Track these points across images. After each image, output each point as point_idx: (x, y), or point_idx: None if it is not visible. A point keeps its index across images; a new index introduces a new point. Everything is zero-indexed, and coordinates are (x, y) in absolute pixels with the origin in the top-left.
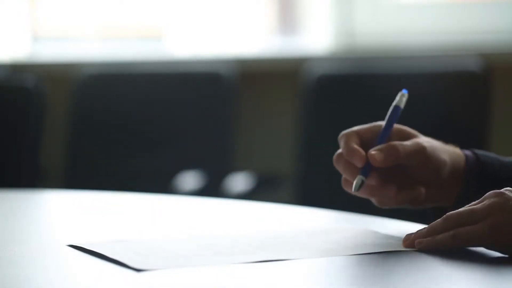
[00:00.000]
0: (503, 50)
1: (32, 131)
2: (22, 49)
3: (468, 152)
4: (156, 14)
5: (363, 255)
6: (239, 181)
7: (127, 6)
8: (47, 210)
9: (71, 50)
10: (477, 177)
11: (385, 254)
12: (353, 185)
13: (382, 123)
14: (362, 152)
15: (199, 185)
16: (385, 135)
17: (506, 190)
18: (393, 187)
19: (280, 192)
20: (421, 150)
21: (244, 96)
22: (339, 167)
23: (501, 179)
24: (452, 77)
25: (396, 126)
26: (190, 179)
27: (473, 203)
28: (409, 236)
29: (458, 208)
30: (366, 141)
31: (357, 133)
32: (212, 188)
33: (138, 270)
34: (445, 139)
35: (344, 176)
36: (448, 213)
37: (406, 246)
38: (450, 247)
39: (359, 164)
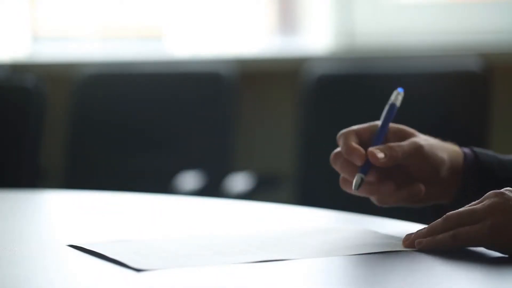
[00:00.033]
0: (503, 50)
1: (32, 131)
2: (22, 49)
3: (466, 150)
4: (156, 14)
5: (363, 255)
6: (239, 181)
7: (127, 6)
8: (47, 210)
9: (71, 50)
10: (475, 175)
11: (385, 254)
12: (353, 184)
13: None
14: (362, 150)
15: (199, 185)
16: (382, 133)
17: (506, 190)
18: (391, 184)
19: (280, 192)
20: (418, 150)
21: (244, 96)
22: (336, 166)
23: (500, 177)
24: (452, 77)
25: (395, 125)
26: (190, 179)
27: (473, 203)
28: (409, 236)
29: (456, 206)
30: (365, 140)
31: (355, 132)
32: (212, 188)
33: (138, 270)
34: (445, 139)
35: (342, 175)
36: (448, 213)
37: (406, 246)
38: (450, 247)
39: (358, 162)
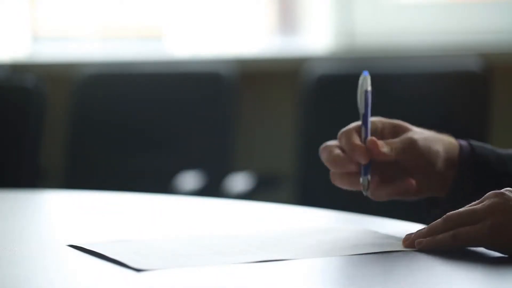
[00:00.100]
0: (503, 50)
1: (32, 131)
2: (22, 49)
3: (463, 142)
4: (156, 14)
5: (363, 255)
6: (239, 181)
7: (127, 6)
8: (47, 210)
9: (71, 50)
10: (472, 168)
11: (385, 254)
12: (362, 188)
13: (377, 118)
14: (365, 148)
15: (199, 185)
16: (367, 122)
17: (506, 190)
18: (376, 179)
19: (280, 192)
20: (412, 145)
21: (244, 96)
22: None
23: (497, 171)
24: (452, 77)
25: (389, 121)
26: (190, 179)
27: (473, 203)
28: (409, 236)
29: (452, 198)
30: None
31: (356, 130)
32: (212, 188)
33: (138, 270)
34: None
35: (333, 170)
36: (448, 213)
37: (406, 246)
38: (450, 247)
39: (362, 160)
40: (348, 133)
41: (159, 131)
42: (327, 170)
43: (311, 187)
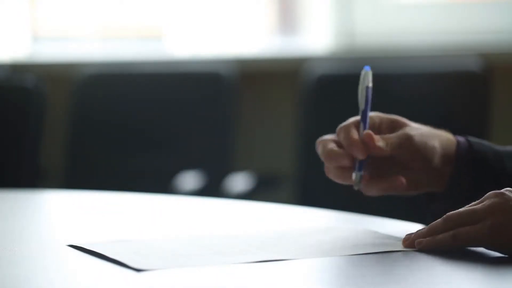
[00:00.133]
0: (503, 50)
1: (32, 131)
2: (22, 49)
3: (461, 138)
4: (156, 14)
5: (363, 255)
6: (239, 181)
7: (127, 6)
8: (47, 210)
9: (71, 50)
10: (469, 164)
11: (385, 254)
12: (353, 183)
13: (375, 113)
14: (363, 144)
15: (199, 185)
16: (366, 118)
17: (506, 190)
18: (366, 175)
19: (280, 192)
20: (408, 140)
21: (244, 96)
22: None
23: (495, 167)
24: (452, 77)
25: (387, 116)
26: (190, 179)
27: (473, 203)
28: (409, 236)
29: (449, 194)
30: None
31: (355, 125)
32: (212, 188)
33: (138, 270)
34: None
35: (327, 164)
36: (448, 213)
37: (406, 246)
38: (450, 247)
39: (360, 155)
40: (347, 128)
41: (159, 131)
42: None
43: (311, 187)
